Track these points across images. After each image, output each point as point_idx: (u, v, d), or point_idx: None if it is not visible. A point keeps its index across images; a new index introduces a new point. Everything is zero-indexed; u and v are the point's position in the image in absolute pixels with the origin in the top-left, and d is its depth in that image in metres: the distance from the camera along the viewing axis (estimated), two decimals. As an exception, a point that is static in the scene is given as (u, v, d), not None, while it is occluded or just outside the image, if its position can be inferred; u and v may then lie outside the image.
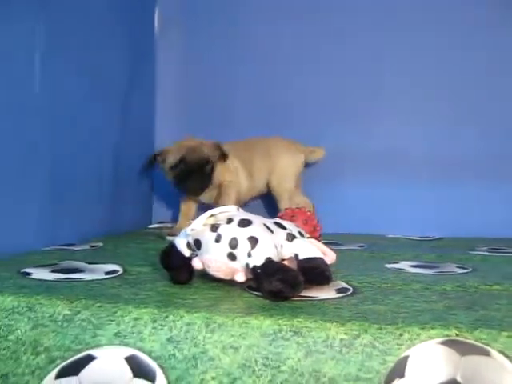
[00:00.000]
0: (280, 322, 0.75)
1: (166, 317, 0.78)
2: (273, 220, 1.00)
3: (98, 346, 0.78)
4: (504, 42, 1.91)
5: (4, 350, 0.80)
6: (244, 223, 0.92)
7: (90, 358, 0.76)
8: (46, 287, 0.92)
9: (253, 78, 2.07)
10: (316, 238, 1.09)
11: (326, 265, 0.93)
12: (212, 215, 0.94)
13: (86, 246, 1.44)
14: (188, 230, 0.94)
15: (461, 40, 1.92)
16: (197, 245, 0.94)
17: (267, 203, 1.99)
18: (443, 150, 1.93)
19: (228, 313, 0.78)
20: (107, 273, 1.07)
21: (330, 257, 0.97)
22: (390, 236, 1.86)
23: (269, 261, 0.87)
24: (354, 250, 1.51)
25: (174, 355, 0.75)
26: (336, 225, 1.77)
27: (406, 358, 0.69)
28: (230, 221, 0.93)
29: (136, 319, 0.79)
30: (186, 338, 0.76)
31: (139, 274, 1.07)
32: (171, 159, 1.70)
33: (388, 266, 1.23)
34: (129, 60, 1.89)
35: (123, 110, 1.85)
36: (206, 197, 1.79)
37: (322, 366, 0.71)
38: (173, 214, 2.07)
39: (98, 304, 0.82)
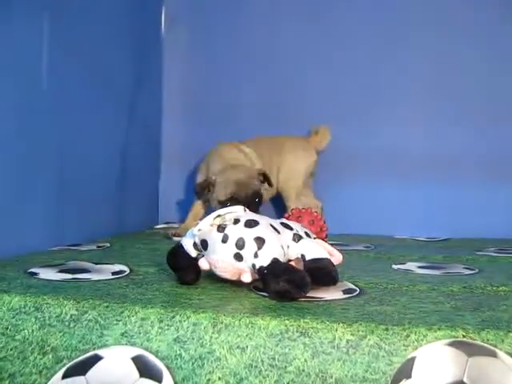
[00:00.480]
0: (287, 322, 0.75)
1: (173, 317, 0.78)
2: (279, 220, 1.00)
3: (104, 345, 0.78)
4: (504, 42, 1.91)
5: (11, 349, 0.80)
6: (251, 224, 0.92)
7: (96, 358, 0.77)
8: (52, 287, 0.92)
9: (258, 76, 2.08)
10: (322, 239, 1.09)
11: (333, 265, 0.93)
12: (219, 215, 0.94)
13: (93, 246, 1.44)
14: (195, 230, 0.94)
15: (461, 40, 1.92)
16: (203, 245, 0.94)
17: (275, 204, 1.99)
18: (451, 151, 1.92)
19: (235, 313, 0.78)
20: (114, 273, 1.07)
21: (336, 257, 0.97)
22: (397, 237, 1.85)
23: (275, 261, 0.88)
24: (361, 251, 1.50)
25: (180, 355, 0.75)
26: (342, 225, 1.76)
27: (413, 359, 0.69)
28: (236, 221, 0.93)
29: (143, 319, 0.79)
30: (193, 338, 0.76)
31: (146, 275, 1.07)
32: (221, 195, 1.61)
33: (395, 266, 1.23)
34: (135, 59, 1.90)
35: (130, 109, 1.85)
36: None
37: (328, 366, 0.71)
38: (179, 215, 2.08)
39: (105, 304, 0.82)
